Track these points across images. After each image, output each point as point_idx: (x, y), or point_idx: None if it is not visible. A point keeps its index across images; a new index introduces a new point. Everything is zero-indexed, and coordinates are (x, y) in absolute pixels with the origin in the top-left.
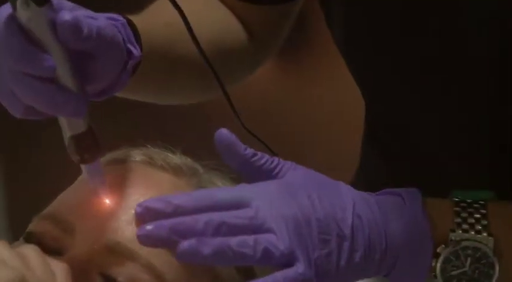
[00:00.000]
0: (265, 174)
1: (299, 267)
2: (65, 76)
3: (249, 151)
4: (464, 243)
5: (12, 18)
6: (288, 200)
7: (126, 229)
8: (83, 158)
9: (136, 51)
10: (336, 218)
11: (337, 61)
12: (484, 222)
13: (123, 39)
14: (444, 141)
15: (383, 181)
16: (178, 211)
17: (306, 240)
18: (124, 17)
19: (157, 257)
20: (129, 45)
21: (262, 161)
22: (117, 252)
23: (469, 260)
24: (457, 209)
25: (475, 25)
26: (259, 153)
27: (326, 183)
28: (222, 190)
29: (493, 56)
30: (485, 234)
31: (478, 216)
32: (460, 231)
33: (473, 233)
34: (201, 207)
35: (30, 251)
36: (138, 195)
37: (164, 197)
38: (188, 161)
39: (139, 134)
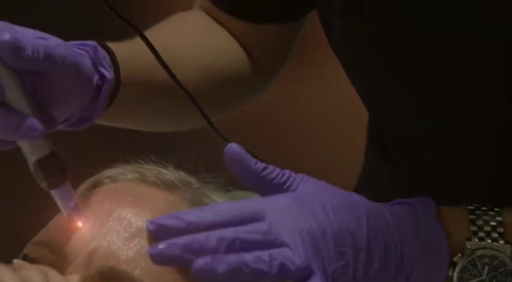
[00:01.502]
0: (277, 188)
1: (316, 281)
2: (15, 99)
3: (260, 165)
4: (480, 252)
5: None
6: (301, 213)
7: (118, 252)
8: (50, 183)
9: (109, 74)
10: (350, 229)
11: (333, 61)
12: (501, 229)
13: (94, 63)
14: (447, 148)
15: (386, 185)
16: (191, 227)
17: (322, 253)
18: (101, 43)
19: (152, 277)
20: (100, 69)
21: (274, 175)
22: (111, 277)
23: (486, 268)
24: (473, 217)
25: (483, 31)
26: (270, 167)
27: (339, 195)
28: (234, 204)
29: (504, 62)
30: (502, 242)
31: (493, 223)
32: (477, 240)
33: (489, 241)
34: (214, 222)
35: (34, 275)
36: (131, 214)
37: (176, 214)
38: (182, 175)
39: (131, 148)
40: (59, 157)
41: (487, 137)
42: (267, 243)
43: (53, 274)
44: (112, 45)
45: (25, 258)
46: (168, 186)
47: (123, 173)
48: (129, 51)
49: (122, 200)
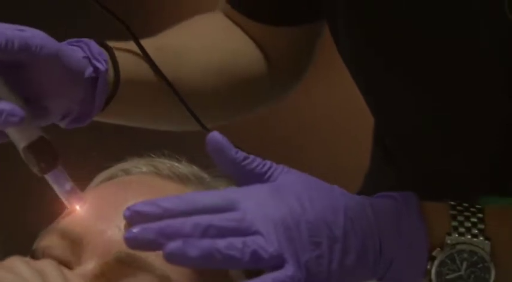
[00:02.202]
0: (257, 178)
1: (288, 270)
2: None
3: (240, 154)
4: (460, 247)
5: None
6: (277, 203)
7: None
8: (41, 168)
9: (102, 66)
10: (326, 220)
11: (339, 64)
12: (481, 226)
13: (87, 57)
14: (447, 148)
15: (390, 187)
16: (167, 214)
17: (296, 243)
18: (99, 42)
19: (171, 266)
20: (94, 62)
21: (254, 165)
22: (129, 263)
23: (464, 264)
24: (454, 212)
25: (483, 31)
26: (251, 157)
27: (318, 187)
28: (211, 193)
29: (504, 62)
30: (481, 238)
31: (474, 220)
32: (456, 235)
33: (469, 236)
34: (190, 209)
35: (48, 266)
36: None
37: (153, 200)
38: (194, 169)
39: (144, 143)
40: (49, 142)
41: (487, 137)
42: (241, 231)
43: (64, 268)
44: (112, 44)
45: (36, 250)
46: (182, 179)
47: (138, 166)
48: (128, 50)
49: (137, 190)
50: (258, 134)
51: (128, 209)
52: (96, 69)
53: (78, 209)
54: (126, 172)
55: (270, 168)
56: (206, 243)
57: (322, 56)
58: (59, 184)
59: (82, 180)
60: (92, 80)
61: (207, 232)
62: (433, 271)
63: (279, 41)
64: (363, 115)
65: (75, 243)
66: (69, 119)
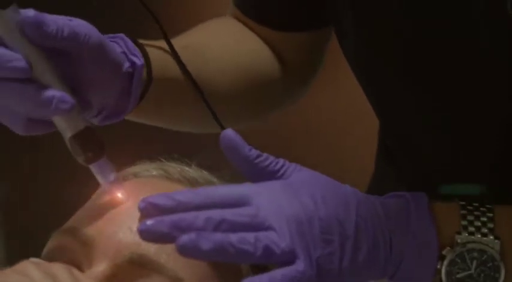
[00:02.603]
0: (270, 176)
1: (299, 265)
2: (44, 75)
3: (254, 152)
4: (470, 246)
5: None
6: (290, 199)
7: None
8: (87, 157)
9: (139, 61)
10: (338, 218)
11: (344, 66)
12: (491, 225)
13: (124, 52)
14: (447, 148)
15: (392, 187)
16: (180, 207)
17: (308, 239)
18: (129, 37)
19: (183, 268)
20: (131, 56)
21: (267, 162)
22: (141, 265)
23: (474, 262)
24: (464, 211)
25: (483, 31)
26: (264, 155)
27: (331, 185)
28: (225, 187)
29: (504, 62)
30: (491, 237)
31: (484, 219)
32: (466, 234)
33: (479, 235)
34: (204, 203)
35: (60, 270)
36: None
37: (167, 193)
38: (204, 173)
39: (153, 147)
40: (95, 132)
41: (487, 137)
42: (254, 226)
43: (75, 271)
44: (142, 42)
45: (48, 251)
46: (192, 183)
47: (148, 170)
48: (159, 49)
49: (148, 193)
50: (262, 137)
51: (143, 200)
52: (133, 64)
53: (120, 200)
54: (137, 176)
55: (283, 166)
56: (219, 236)
57: (328, 59)
58: (104, 174)
59: (93, 185)
60: (128, 76)
61: (220, 226)
62: (443, 270)
63: (289, 45)
64: (368, 118)
65: (87, 245)
66: (103, 115)
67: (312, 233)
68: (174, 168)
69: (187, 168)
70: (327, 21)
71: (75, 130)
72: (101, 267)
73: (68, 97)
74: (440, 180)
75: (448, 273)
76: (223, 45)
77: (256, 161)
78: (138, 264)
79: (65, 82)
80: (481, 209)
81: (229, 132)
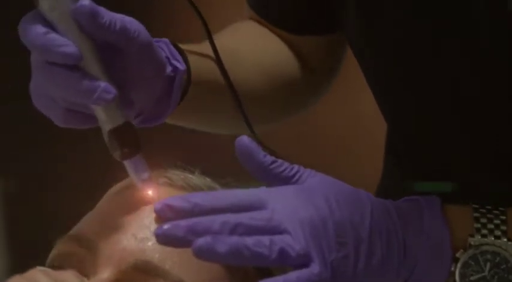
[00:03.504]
0: (285, 181)
1: (314, 268)
2: (91, 64)
3: (268, 158)
4: (483, 248)
5: (35, 11)
6: (304, 203)
7: (153, 248)
8: (123, 153)
9: (181, 66)
10: (353, 221)
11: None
12: (504, 227)
13: (167, 57)
14: (447, 148)
15: (402, 192)
16: (196, 209)
17: (322, 242)
18: (172, 42)
19: (189, 274)
20: (173, 61)
21: (282, 168)
22: (146, 271)
23: (488, 265)
24: (477, 214)
25: (483, 31)
26: (279, 161)
27: (345, 189)
28: (240, 191)
29: (504, 62)
30: (504, 239)
31: (497, 222)
32: (479, 237)
33: (492, 238)
34: (219, 206)
35: (70, 278)
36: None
37: (183, 196)
38: (207, 180)
39: (156, 154)
40: (134, 128)
41: (487, 137)
42: (269, 230)
43: (84, 279)
44: (181, 46)
45: (53, 259)
46: (195, 189)
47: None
48: (193, 51)
49: (153, 201)
50: (271, 143)
51: (159, 202)
52: (175, 68)
53: (152, 199)
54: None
55: (297, 171)
56: (234, 239)
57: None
58: (138, 172)
59: (101, 191)
60: (169, 80)
61: (235, 230)
62: (457, 272)
63: (306, 47)
64: (375, 122)
65: (91, 252)
66: (142, 117)
67: (327, 236)
68: (177, 175)
69: (190, 176)
70: (339, 25)
71: (115, 124)
72: (105, 274)
73: (111, 88)
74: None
75: (462, 276)
76: (251, 46)
77: (271, 166)
78: (142, 270)
79: (110, 76)
80: (494, 211)
81: (243, 139)
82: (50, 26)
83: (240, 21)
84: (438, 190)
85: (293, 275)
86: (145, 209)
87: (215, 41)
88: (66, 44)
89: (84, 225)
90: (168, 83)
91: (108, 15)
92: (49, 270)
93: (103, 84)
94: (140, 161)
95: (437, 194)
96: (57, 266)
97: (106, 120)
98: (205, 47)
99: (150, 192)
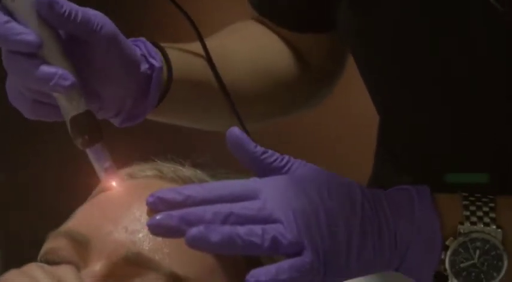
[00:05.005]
0: (276, 171)
1: (307, 256)
2: (51, 53)
3: (259, 148)
4: (472, 235)
5: None
6: (296, 193)
7: (144, 240)
8: (83, 140)
9: (157, 63)
10: (344, 210)
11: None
12: (493, 215)
13: (143, 54)
14: (446, 148)
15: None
16: (189, 201)
17: (314, 231)
18: (152, 42)
19: (180, 265)
20: (150, 59)
21: (272, 159)
22: (137, 263)
23: (477, 252)
24: (466, 202)
25: (483, 30)
26: (270, 151)
27: (336, 179)
28: (232, 182)
29: (503, 62)
30: (493, 226)
31: (486, 209)
32: (469, 224)
33: (481, 225)
34: (211, 197)
35: (66, 272)
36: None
37: (176, 188)
38: (197, 172)
39: (147, 148)
40: (95, 117)
41: (487, 137)
42: (261, 219)
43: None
44: (163, 44)
45: (45, 253)
46: (185, 181)
47: (142, 170)
48: (180, 50)
49: (142, 193)
50: (264, 139)
51: (152, 195)
52: (151, 66)
53: (114, 187)
54: (131, 176)
55: (288, 162)
56: (227, 229)
57: None
58: (99, 160)
59: (91, 186)
60: (146, 78)
61: (227, 219)
62: (447, 260)
63: (308, 46)
64: (367, 118)
65: (82, 245)
66: (122, 116)
67: (319, 225)
68: (168, 168)
69: (180, 168)
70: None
71: (75, 112)
72: (97, 266)
73: (69, 75)
74: (441, 180)
75: (452, 263)
76: (248, 45)
77: (262, 157)
78: (134, 262)
79: (70, 62)
80: (483, 199)
81: (235, 130)
82: (12, 15)
83: (241, 21)
84: (474, 181)
85: (285, 263)
86: (136, 202)
87: (208, 42)
88: (25, 32)
89: (75, 219)
90: (145, 81)
91: (68, 6)
92: (45, 265)
93: (60, 71)
94: (102, 150)
95: (472, 185)
96: (50, 261)
97: (67, 108)
98: (195, 47)
99: (112, 182)
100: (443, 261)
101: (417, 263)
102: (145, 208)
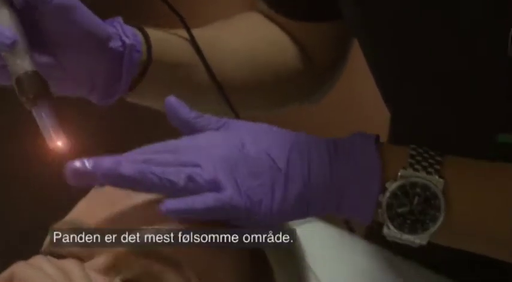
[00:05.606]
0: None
1: (226, 191)
2: None
3: (194, 113)
4: (413, 179)
5: None
6: (217, 143)
7: (148, 231)
8: (29, 99)
9: (128, 40)
10: (270, 153)
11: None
12: (438, 167)
13: (118, 34)
14: (446, 149)
15: None
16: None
17: (235, 174)
18: (135, 26)
19: (184, 255)
20: (124, 38)
21: (207, 122)
22: (142, 254)
23: (416, 199)
24: (413, 152)
25: (482, 30)
26: (206, 116)
27: (268, 128)
28: (160, 143)
29: (503, 62)
30: (436, 176)
31: (432, 161)
32: (411, 170)
33: (424, 173)
34: (140, 158)
35: (72, 265)
36: (150, 196)
37: (111, 157)
38: None
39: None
40: (42, 77)
41: (487, 137)
42: (178, 164)
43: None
44: (146, 28)
45: (45, 250)
46: None
47: None
48: (165, 32)
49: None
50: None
51: (88, 160)
52: (124, 43)
53: (59, 147)
54: None
55: (225, 123)
56: (142, 165)
57: None
58: (44, 121)
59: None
60: (119, 55)
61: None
62: (384, 202)
63: (311, 37)
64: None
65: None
66: (97, 93)
67: (238, 168)
68: None
69: None
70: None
71: (22, 71)
72: (101, 258)
73: (11, 34)
74: None
75: (389, 206)
76: (239, 37)
77: (196, 120)
78: (138, 253)
79: (19, 25)
80: (431, 152)
81: (171, 98)
82: None
83: (242, 13)
84: None
85: (202, 195)
86: (132, 194)
87: (201, 31)
88: None
89: (78, 210)
90: (118, 58)
91: None
92: (52, 258)
93: (1, 29)
94: (48, 110)
95: None
96: (55, 253)
97: (14, 67)
98: (182, 32)
99: (59, 143)
100: (380, 205)
101: (354, 206)
102: (147, 197)
